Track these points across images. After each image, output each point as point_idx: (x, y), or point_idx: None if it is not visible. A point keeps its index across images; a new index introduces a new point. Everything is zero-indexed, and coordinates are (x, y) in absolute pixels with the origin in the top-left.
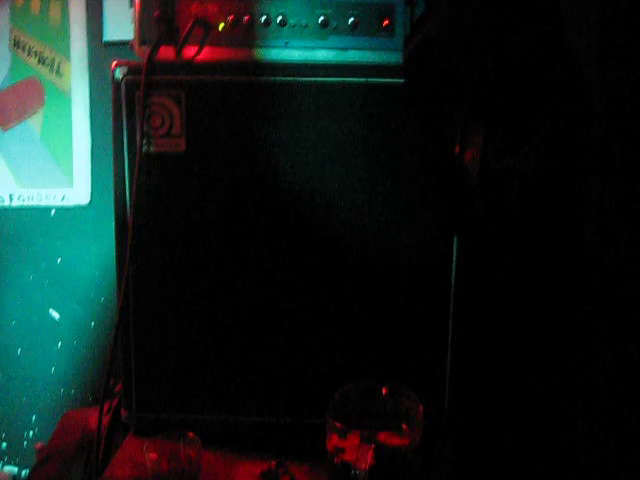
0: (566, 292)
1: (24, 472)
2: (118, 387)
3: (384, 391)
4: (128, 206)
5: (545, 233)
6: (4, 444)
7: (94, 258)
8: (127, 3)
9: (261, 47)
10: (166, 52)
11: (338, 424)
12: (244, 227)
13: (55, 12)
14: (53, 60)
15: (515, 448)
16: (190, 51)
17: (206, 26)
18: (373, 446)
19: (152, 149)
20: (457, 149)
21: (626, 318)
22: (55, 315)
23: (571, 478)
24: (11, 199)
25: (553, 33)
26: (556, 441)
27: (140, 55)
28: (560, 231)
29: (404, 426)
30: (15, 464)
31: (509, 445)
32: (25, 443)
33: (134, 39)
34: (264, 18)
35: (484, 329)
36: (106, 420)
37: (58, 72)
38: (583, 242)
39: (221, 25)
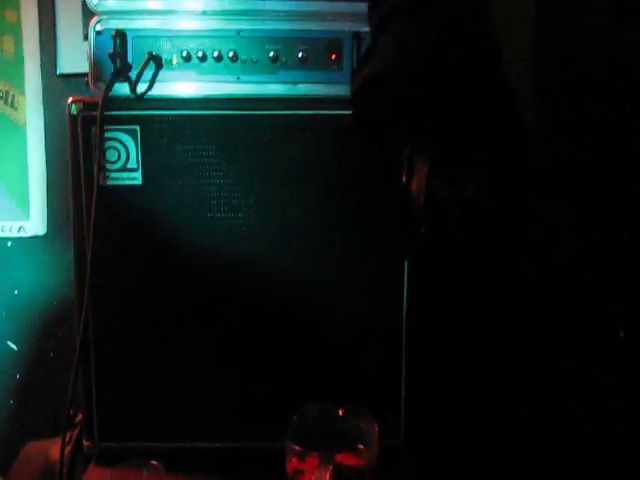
0: (502, 304)
1: None
2: (79, 417)
3: (341, 413)
4: (87, 238)
5: (481, 254)
6: None
7: (51, 289)
8: (80, 36)
9: (213, 82)
10: (121, 88)
11: (297, 446)
12: (203, 260)
13: (9, 46)
14: (7, 93)
15: (469, 462)
16: (144, 86)
17: (159, 62)
18: (331, 467)
19: (109, 182)
20: (404, 178)
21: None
22: (13, 347)
23: None
24: None
25: (494, 70)
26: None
27: (95, 91)
28: (494, 252)
29: (361, 446)
30: None
31: (463, 459)
32: None
33: (89, 76)
34: (216, 54)
35: (436, 346)
36: (67, 450)
37: (12, 105)
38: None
39: (174, 60)
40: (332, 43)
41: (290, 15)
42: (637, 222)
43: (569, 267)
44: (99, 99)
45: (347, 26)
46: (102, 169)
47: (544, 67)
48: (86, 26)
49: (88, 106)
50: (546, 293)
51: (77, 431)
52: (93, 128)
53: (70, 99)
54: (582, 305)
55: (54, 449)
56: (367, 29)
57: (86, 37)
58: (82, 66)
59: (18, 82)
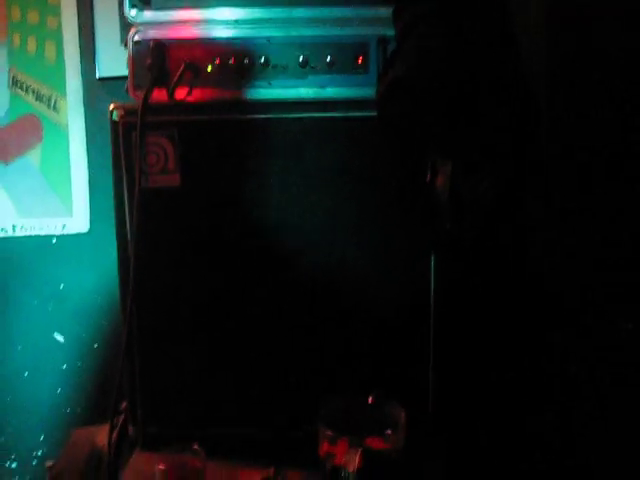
0: (522, 298)
1: None
2: (123, 405)
3: (370, 400)
4: (129, 236)
5: (501, 247)
6: (14, 463)
7: (95, 283)
8: (118, 41)
9: (246, 87)
10: (159, 94)
11: (328, 432)
12: (240, 256)
13: (50, 51)
14: (50, 97)
15: (495, 447)
16: (181, 92)
17: (195, 69)
18: (360, 450)
19: (149, 184)
20: (428, 177)
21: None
22: (60, 338)
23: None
24: (14, 229)
25: (515, 73)
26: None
27: (135, 97)
28: (512, 246)
29: (389, 431)
30: None
31: (490, 444)
32: (35, 462)
33: (129, 83)
34: (248, 60)
35: (461, 336)
36: (114, 436)
37: (55, 108)
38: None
39: (209, 68)
40: (358, 47)
41: (317, 21)
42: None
43: (572, 266)
44: (139, 106)
45: (372, 31)
46: (142, 172)
47: (554, 68)
48: (124, 31)
49: (128, 112)
50: (552, 293)
51: (122, 418)
52: (133, 133)
53: (112, 106)
54: (584, 305)
55: (100, 435)
56: (392, 33)
57: (123, 42)
58: (120, 70)
59: (60, 86)
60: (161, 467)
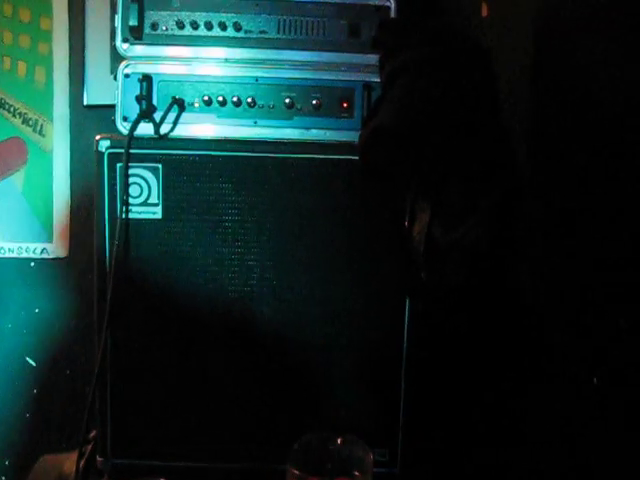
0: (502, 344)
1: None
2: (92, 434)
3: (339, 441)
4: (107, 265)
5: (483, 295)
6: None
7: (70, 309)
8: (108, 69)
9: (232, 125)
10: (145, 128)
11: (296, 471)
12: (216, 291)
13: (40, 76)
14: (37, 121)
15: None
16: (167, 127)
17: (182, 104)
18: None
19: (131, 215)
20: (407, 223)
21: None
22: (32, 363)
23: None
24: None
25: (496, 123)
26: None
27: (121, 130)
28: (495, 294)
29: (357, 473)
30: None
31: None
32: None
33: (116, 115)
34: (235, 99)
35: (434, 379)
36: (81, 465)
37: (41, 132)
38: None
39: (196, 104)
40: (344, 92)
41: (305, 65)
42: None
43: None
44: (125, 137)
45: (358, 76)
46: (125, 203)
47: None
48: (114, 60)
49: (114, 143)
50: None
51: (90, 447)
52: (118, 164)
53: (98, 136)
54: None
55: (67, 463)
56: (377, 80)
57: (112, 72)
58: (108, 98)
59: (47, 111)
60: None
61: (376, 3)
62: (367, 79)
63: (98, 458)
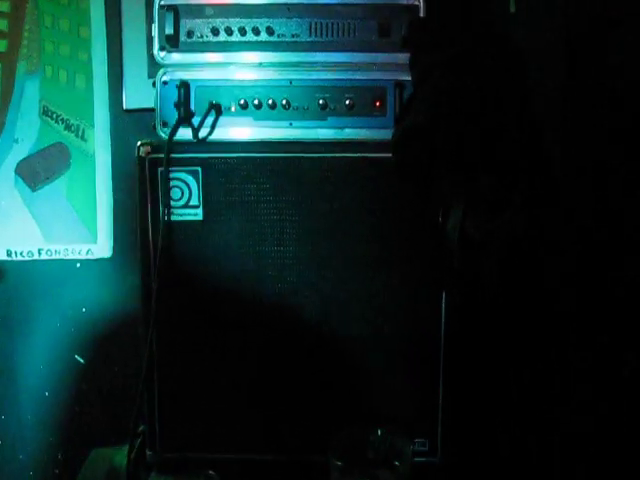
0: (538, 332)
1: None
2: (140, 428)
3: (379, 432)
4: (152, 266)
5: (519, 286)
6: None
7: (116, 308)
8: (145, 74)
9: (268, 127)
10: (184, 132)
11: (338, 462)
12: (258, 288)
13: (80, 82)
14: (78, 126)
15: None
16: (205, 131)
17: (219, 109)
18: None
19: (172, 218)
20: (441, 219)
21: None
22: (80, 360)
23: None
24: (40, 253)
25: (527, 118)
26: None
27: (161, 135)
28: (529, 285)
29: (397, 463)
30: None
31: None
32: None
33: (156, 121)
34: (270, 101)
35: (472, 372)
36: (131, 459)
37: (83, 137)
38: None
39: (232, 108)
40: (376, 91)
41: (337, 66)
42: None
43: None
44: (165, 143)
45: (390, 75)
46: (167, 206)
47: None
48: (151, 66)
49: (155, 149)
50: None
51: (140, 441)
52: (159, 169)
53: (138, 142)
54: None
55: (118, 456)
56: (408, 78)
57: (150, 76)
58: (146, 102)
59: (88, 116)
60: None
61: (405, 2)
62: (398, 78)
63: (147, 452)
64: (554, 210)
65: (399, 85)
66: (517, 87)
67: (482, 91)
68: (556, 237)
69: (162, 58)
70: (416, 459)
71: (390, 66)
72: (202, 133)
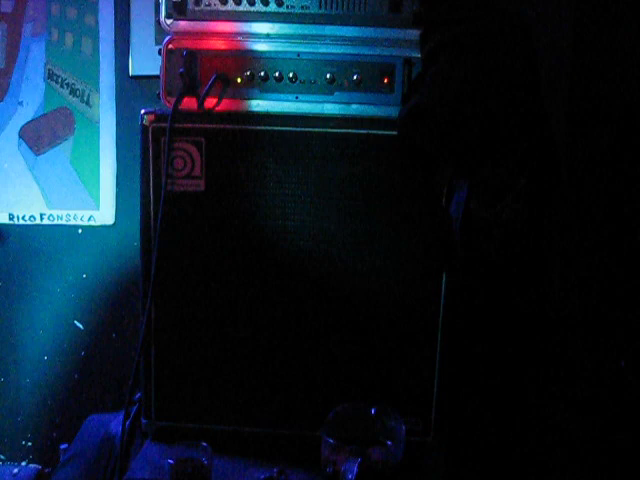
0: (535, 317)
1: (47, 470)
2: (137, 395)
3: (372, 412)
4: (153, 234)
5: (518, 268)
6: (29, 443)
7: (117, 274)
8: (153, 40)
9: (274, 100)
10: (189, 102)
11: (330, 440)
12: (257, 261)
13: (86, 47)
14: (83, 92)
15: (497, 459)
16: (210, 102)
17: (225, 80)
18: (360, 460)
19: (175, 188)
20: (444, 200)
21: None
22: (80, 326)
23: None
24: (42, 218)
25: (534, 103)
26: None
27: (166, 104)
28: (529, 267)
29: (389, 443)
30: (39, 462)
31: (493, 459)
32: (49, 443)
33: (161, 90)
34: (277, 74)
35: (468, 352)
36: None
37: (88, 103)
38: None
39: (239, 79)
40: (385, 67)
41: (347, 40)
42: None
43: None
44: (169, 112)
45: (399, 52)
46: (169, 176)
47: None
48: (158, 32)
49: (159, 118)
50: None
51: (136, 408)
52: (162, 138)
53: (143, 111)
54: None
55: (113, 422)
56: (418, 55)
57: (157, 43)
58: (152, 69)
59: (93, 81)
60: (170, 461)
61: None
62: (408, 54)
63: (143, 420)
64: (557, 195)
65: (408, 62)
66: (527, 70)
67: (492, 74)
68: (557, 223)
69: (169, 26)
70: (409, 438)
71: (400, 42)
72: (207, 104)
